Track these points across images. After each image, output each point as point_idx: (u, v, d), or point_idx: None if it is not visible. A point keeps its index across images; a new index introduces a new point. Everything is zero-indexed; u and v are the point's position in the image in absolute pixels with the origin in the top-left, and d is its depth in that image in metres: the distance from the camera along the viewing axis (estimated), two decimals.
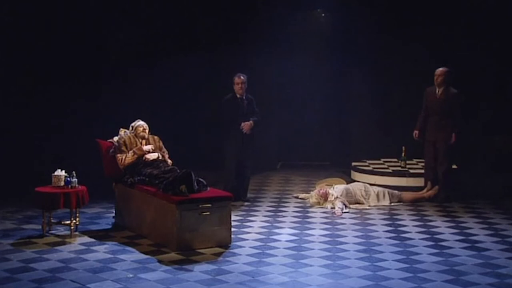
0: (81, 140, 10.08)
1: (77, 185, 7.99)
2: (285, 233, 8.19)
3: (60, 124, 10.78)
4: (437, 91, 10.10)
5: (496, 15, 11.80)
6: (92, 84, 10.95)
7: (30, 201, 8.43)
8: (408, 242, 7.82)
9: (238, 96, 9.90)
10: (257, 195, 10.52)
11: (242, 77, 9.85)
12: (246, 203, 9.84)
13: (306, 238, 7.98)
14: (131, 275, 6.58)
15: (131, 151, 8.42)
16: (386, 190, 10.03)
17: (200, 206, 7.50)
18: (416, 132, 10.31)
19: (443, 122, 10.03)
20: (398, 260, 7.09)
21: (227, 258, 7.15)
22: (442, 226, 8.58)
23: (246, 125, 9.82)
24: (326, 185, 10.32)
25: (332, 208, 9.45)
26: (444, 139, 10.02)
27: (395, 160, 11.60)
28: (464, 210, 9.52)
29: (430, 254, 7.34)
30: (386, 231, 8.32)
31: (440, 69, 10.07)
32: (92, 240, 7.82)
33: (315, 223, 8.74)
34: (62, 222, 8.18)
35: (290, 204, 9.92)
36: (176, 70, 11.47)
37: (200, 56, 11.70)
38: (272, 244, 7.71)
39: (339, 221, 8.87)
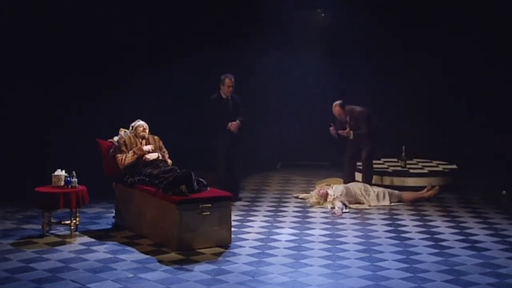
0: (81, 140, 10.07)
1: (77, 185, 7.99)
2: (285, 233, 8.19)
3: (60, 124, 10.76)
4: (346, 118, 10.48)
5: (496, 14, 11.79)
6: (92, 84, 10.93)
7: (30, 201, 8.43)
8: (408, 242, 7.82)
9: (224, 96, 9.93)
10: (257, 195, 10.52)
11: (232, 79, 9.87)
12: (246, 203, 9.83)
13: (306, 238, 7.98)
14: (131, 275, 6.58)
15: (131, 151, 8.42)
16: (386, 190, 10.02)
17: (200, 206, 7.50)
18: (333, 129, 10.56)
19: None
20: (398, 260, 7.09)
21: (227, 258, 7.15)
22: (442, 226, 8.58)
23: (233, 125, 9.82)
24: (326, 185, 10.33)
25: (332, 208, 9.44)
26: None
27: (395, 160, 11.60)
28: (464, 210, 9.52)
29: (430, 254, 7.34)
30: (386, 231, 8.32)
31: (335, 107, 10.43)
32: (92, 240, 7.82)
33: (315, 223, 8.74)
34: (62, 222, 8.19)
35: (290, 204, 9.92)
36: (176, 70, 11.44)
37: (200, 57, 11.68)
38: (272, 244, 7.71)
39: (339, 221, 8.86)
